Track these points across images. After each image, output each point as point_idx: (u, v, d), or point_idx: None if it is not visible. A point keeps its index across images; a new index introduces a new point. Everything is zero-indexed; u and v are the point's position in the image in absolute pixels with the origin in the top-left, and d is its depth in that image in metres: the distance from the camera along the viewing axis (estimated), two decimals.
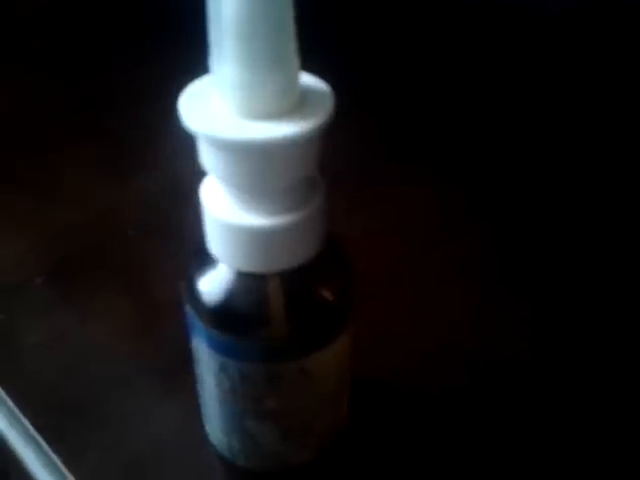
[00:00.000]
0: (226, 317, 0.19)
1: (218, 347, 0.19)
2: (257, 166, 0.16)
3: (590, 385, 0.26)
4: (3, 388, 0.26)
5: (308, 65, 0.17)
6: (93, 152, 0.39)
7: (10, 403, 0.25)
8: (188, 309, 0.20)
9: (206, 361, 0.20)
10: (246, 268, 0.18)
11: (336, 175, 0.21)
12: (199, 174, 0.18)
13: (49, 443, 0.24)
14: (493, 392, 0.26)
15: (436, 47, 0.47)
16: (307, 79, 0.17)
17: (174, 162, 0.36)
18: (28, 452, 0.25)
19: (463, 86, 0.44)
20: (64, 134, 0.40)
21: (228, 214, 0.17)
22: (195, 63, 0.18)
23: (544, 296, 0.30)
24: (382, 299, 0.30)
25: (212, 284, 0.19)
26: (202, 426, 0.24)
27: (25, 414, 0.25)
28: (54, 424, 0.25)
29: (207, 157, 0.17)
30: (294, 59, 0.15)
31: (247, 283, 0.18)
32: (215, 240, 0.18)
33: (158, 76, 0.44)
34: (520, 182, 0.37)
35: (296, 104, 0.16)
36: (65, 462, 0.24)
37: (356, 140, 0.38)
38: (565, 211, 0.35)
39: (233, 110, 0.16)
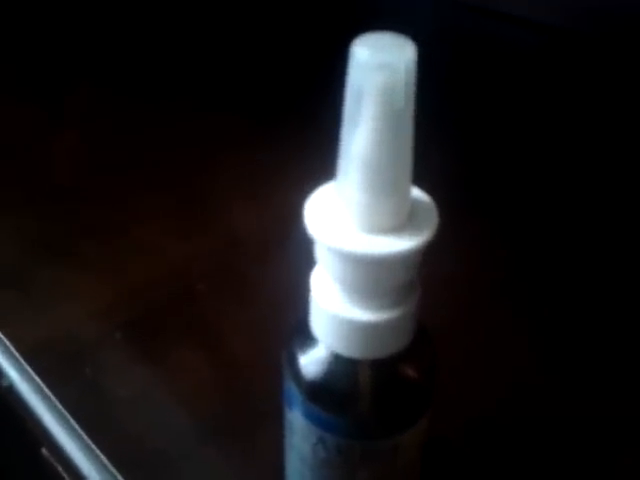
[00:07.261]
0: (323, 394, 0.21)
1: (316, 421, 0.21)
2: (370, 273, 0.18)
3: None
4: (94, 442, 0.28)
5: None
6: (158, 204, 0.41)
7: (104, 459, 0.27)
8: (288, 381, 0.22)
9: (302, 432, 0.22)
10: (344, 353, 0.20)
11: None
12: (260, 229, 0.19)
13: None
14: (553, 451, 0.28)
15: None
16: (415, 193, 0.19)
17: (238, 216, 0.39)
18: None
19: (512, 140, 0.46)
20: (132, 185, 0.42)
21: (334, 305, 0.19)
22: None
23: (608, 358, 0.31)
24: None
25: (312, 361, 0.21)
26: None
27: (119, 470, 0.27)
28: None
29: (324, 258, 0.19)
30: (409, 183, 0.18)
31: (344, 365, 0.20)
32: (318, 323, 0.20)
33: (230, 124, 0.46)
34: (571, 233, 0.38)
35: (407, 219, 0.18)
36: None
37: None
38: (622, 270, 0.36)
39: (353, 222, 0.18)
